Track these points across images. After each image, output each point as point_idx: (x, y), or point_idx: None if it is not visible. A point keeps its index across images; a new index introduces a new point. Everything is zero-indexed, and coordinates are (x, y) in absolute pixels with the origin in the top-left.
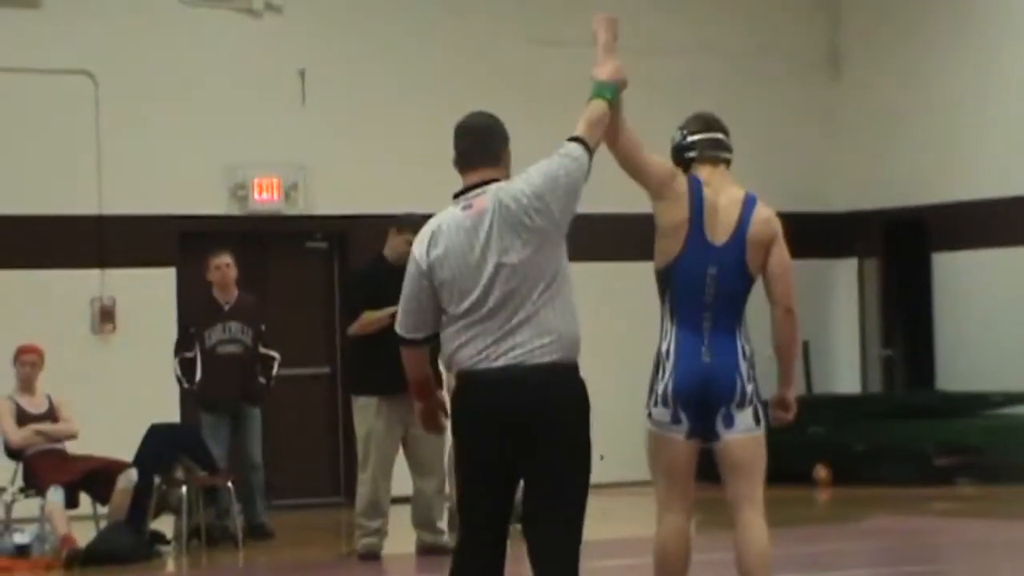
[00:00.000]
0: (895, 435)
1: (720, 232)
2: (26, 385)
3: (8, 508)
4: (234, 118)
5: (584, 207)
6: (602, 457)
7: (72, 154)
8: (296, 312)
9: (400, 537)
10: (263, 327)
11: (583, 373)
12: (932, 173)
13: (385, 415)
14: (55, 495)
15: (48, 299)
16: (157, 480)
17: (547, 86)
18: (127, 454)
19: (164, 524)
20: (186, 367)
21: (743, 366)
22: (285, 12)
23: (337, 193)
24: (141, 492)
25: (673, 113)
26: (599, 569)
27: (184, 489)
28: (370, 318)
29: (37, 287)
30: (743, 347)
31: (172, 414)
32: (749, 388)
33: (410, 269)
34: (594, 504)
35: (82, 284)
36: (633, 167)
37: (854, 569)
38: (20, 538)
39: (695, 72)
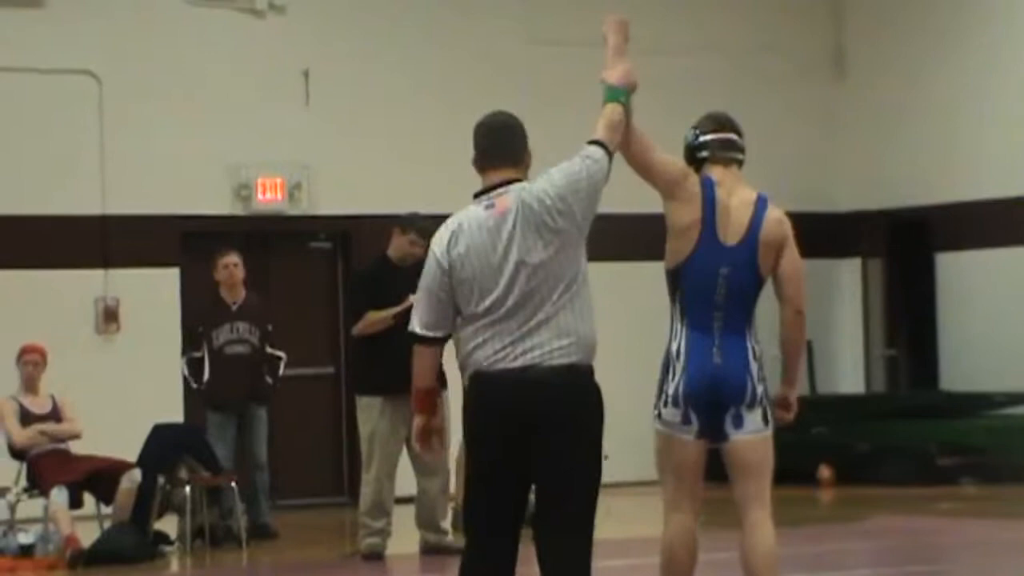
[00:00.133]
0: (898, 435)
1: (732, 233)
2: (30, 385)
3: (12, 508)
4: (237, 118)
5: (604, 206)
6: (607, 456)
7: (75, 154)
8: (300, 312)
9: (404, 537)
10: (270, 327)
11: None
12: (935, 173)
13: (389, 415)
14: (59, 495)
15: (51, 299)
16: (161, 480)
17: (551, 86)
18: (131, 454)
19: (168, 524)
20: (194, 367)
21: (753, 367)
22: (288, 12)
23: (341, 193)
24: (145, 492)
25: (676, 113)
26: (605, 568)
27: (188, 489)
28: (374, 318)
29: (40, 287)
30: (753, 347)
31: (176, 414)
32: (759, 389)
33: (430, 266)
34: (599, 503)
35: (86, 284)
36: (643, 168)
37: (857, 569)
38: (24, 538)
39: (698, 72)
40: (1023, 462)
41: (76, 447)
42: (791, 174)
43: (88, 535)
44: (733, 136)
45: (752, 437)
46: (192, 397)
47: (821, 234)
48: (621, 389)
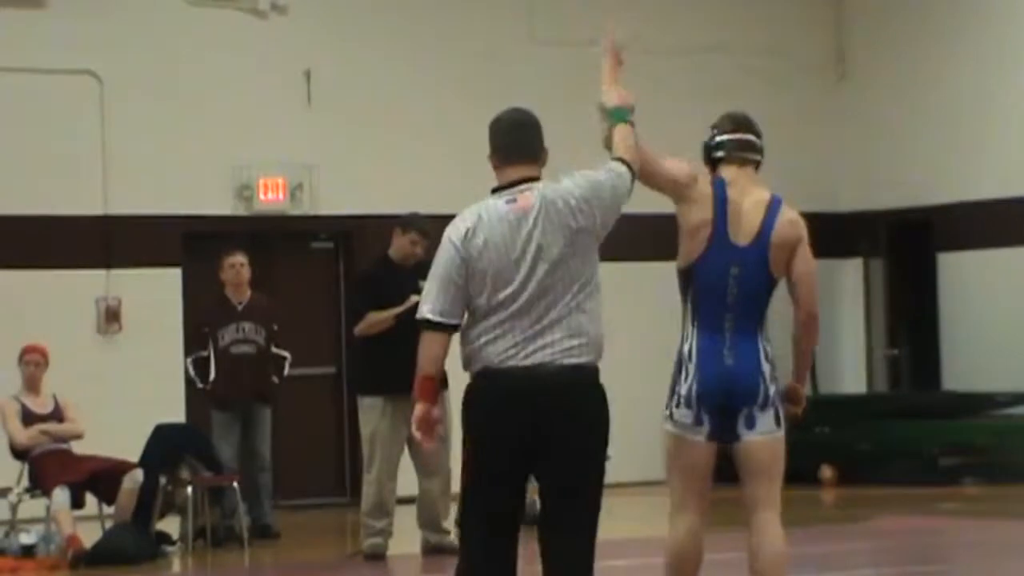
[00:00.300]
0: (900, 435)
1: (743, 233)
2: (31, 385)
3: (14, 508)
4: (239, 118)
5: None
6: (609, 457)
7: (77, 154)
8: (302, 312)
9: (405, 537)
10: (276, 327)
11: None
12: (937, 173)
13: (390, 415)
14: (61, 495)
15: (53, 299)
16: (163, 480)
17: (553, 86)
18: (133, 454)
19: (170, 524)
20: (199, 366)
21: (765, 368)
22: (290, 12)
23: (342, 193)
24: (147, 492)
25: (679, 113)
26: (606, 568)
27: (190, 489)
28: (375, 318)
29: (42, 287)
30: (765, 348)
31: (178, 414)
32: (771, 390)
33: (446, 253)
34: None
35: (87, 284)
36: (648, 176)
37: (860, 569)
38: (26, 538)
39: (701, 72)
40: None
41: (78, 447)
42: (793, 174)
43: (90, 535)
44: (750, 137)
45: (763, 438)
46: (194, 397)
47: (823, 234)
48: (624, 390)
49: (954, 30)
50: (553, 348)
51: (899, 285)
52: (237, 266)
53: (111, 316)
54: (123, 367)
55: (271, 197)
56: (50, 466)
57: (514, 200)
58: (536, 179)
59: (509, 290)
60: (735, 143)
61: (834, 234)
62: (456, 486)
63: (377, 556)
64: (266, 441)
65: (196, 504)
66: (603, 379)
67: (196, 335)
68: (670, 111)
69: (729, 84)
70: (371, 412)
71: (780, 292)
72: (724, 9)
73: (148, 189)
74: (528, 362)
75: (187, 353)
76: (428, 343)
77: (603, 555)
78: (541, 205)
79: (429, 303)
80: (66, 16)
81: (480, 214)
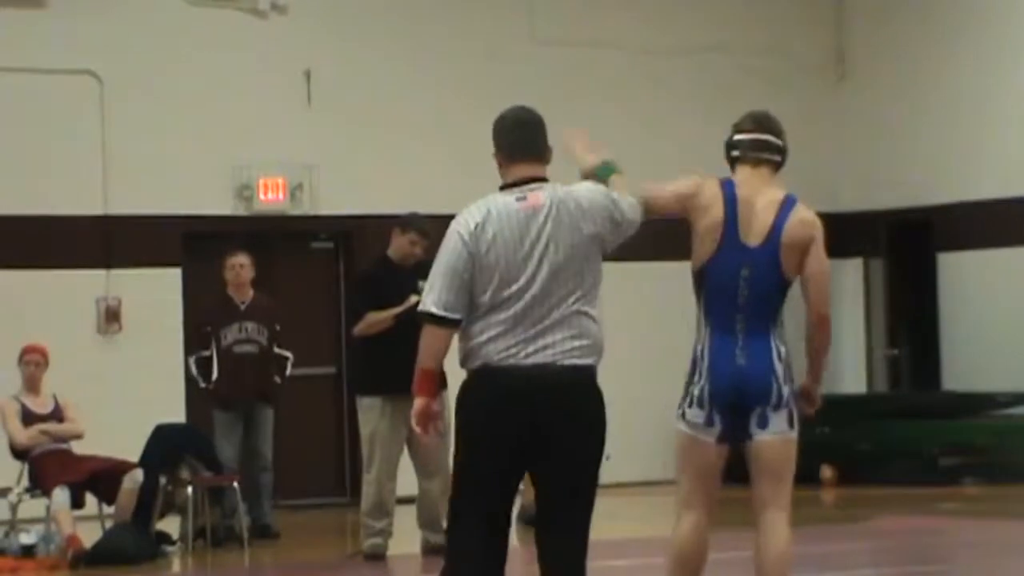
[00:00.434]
0: (901, 435)
1: (754, 234)
2: (31, 385)
3: (14, 508)
4: (239, 118)
5: None
6: (608, 457)
7: (77, 154)
8: (302, 312)
9: (406, 537)
10: (278, 327)
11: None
12: (937, 173)
13: (389, 415)
14: (61, 495)
15: (53, 299)
16: (163, 480)
17: (553, 86)
18: (133, 454)
19: (170, 524)
20: (202, 366)
21: (778, 368)
22: (290, 12)
23: (342, 193)
24: (147, 492)
25: (679, 113)
26: (606, 568)
27: (190, 489)
28: (374, 318)
29: (42, 287)
30: (778, 348)
31: (178, 414)
32: (785, 390)
33: (454, 246)
34: (601, 504)
35: (87, 284)
36: (655, 205)
37: (860, 569)
38: (26, 538)
39: (701, 72)
40: None
41: (78, 447)
42: (793, 174)
43: (90, 535)
44: (767, 137)
45: (775, 438)
46: (194, 397)
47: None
48: (624, 390)
49: (954, 30)
50: (555, 348)
51: (899, 285)
52: (237, 267)
53: (111, 316)
54: (123, 367)
55: (271, 197)
56: (50, 466)
57: (524, 198)
58: (543, 178)
59: (515, 287)
60: (750, 143)
61: (834, 234)
62: None
63: (377, 556)
64: (268, 441)
65: (196, 504)
66: (603, 379)
67: (198, 335)
68: (670, 111)
69: (729, 84)
70: (370, 412)
71: (795, 292)
72: (724, 9)
73: (148, 189)
74: (529, 361)
75: (187, 353)
76: (430, 337)
77: (603, 555)
78: (552, 204)
79: (433, 296)
80: (66, 16)
81: (489, 209)
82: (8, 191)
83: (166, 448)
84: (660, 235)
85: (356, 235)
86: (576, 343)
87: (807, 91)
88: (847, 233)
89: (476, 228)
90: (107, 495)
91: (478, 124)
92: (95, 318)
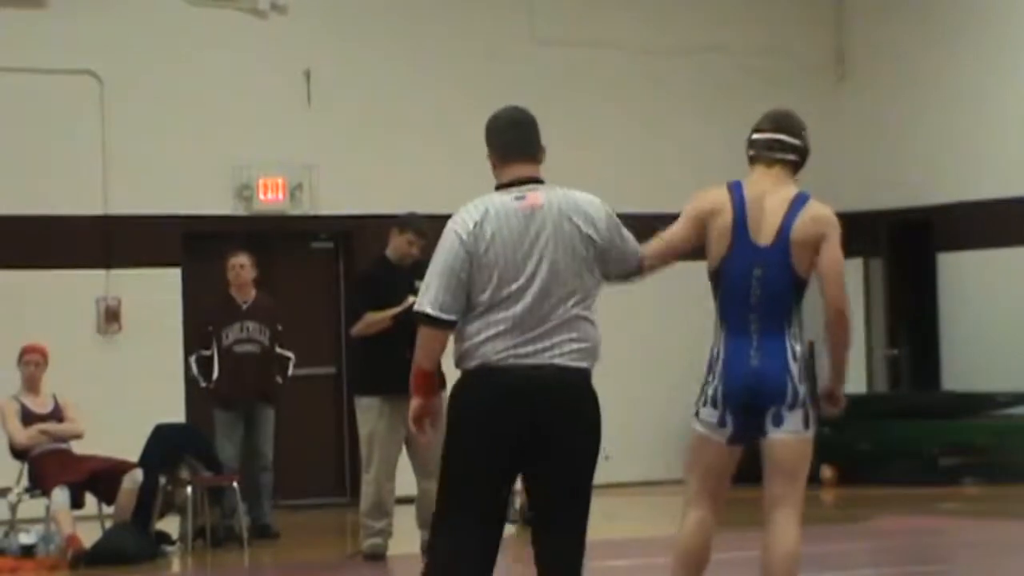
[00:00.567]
0: (900, 435)
1: (765, 233)
2: (31, 385)
3: (14, 508)
4: (239, 118)
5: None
6: (608, 457)
7: (77, 154)
8: (301, 312)
9: (405, 538)
10: (280, 327)
11: (594, 375)
12: (937, 173)
13: (388, 416)
14: (60, 495)
15: (53, 299)
16: (162, 480)
17: (553, 86)
18: (132, 454)
19: (169, 524)
20: (203, 365)
21: (793, 367)
22: (290, 12)
23: (342, 193)
24: (146, 492)
25: (679, 113)
26: (605, 568)
27: (189, 489)
28: (372, 319)
29: (42, 287)
30: (793, 348)
31: (178, 414)
32: (801, 390)
33: (451, 246)
34: (601, 504)
35: (87, 284)
36: (679, 244)
37: (860, 569)
38: (26, 538)
39: (701, 72)
40: None
41: (77, 447)
42: None
43: (89, 535)
44: (780, 136)
45: (788, 436)
46: (194, 397)
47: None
48: (623, 390)
49: (954, 30)
50: (554, 350)
51: (899, 285)
52: (238, 267)
53: (111, 316)
54: (123, 367)
55: (271, 197)
56: (50, 466)
57: (523, 197)
58: (539, 179)
59: (515, 286)
60: (763, 142)
61: None
62: None
63: (377, 556)
64: (268, 441)
65: (196, 504)
66: (602, 379)
67: (199, 334)
68: (670, 111)
69: (729, 84)
70: (369, 412)
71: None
72: (724, 9)
73: (148, 189)
74: (529, 361)
75: (187, 353)
76: (427, 339)
77: (603, 555)
78: (551, 205)
79: (429, 296)
80: (66, 16)
81: (487, 208)
82: (8, 191)
83: (166, 448)
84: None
85: (356, 235)
86: (576, 345)
87: (807, 91)
88: (847, 233)
89: (475, 227)
90: (107, 495)
91: (478, 124)
92: (95, 318)
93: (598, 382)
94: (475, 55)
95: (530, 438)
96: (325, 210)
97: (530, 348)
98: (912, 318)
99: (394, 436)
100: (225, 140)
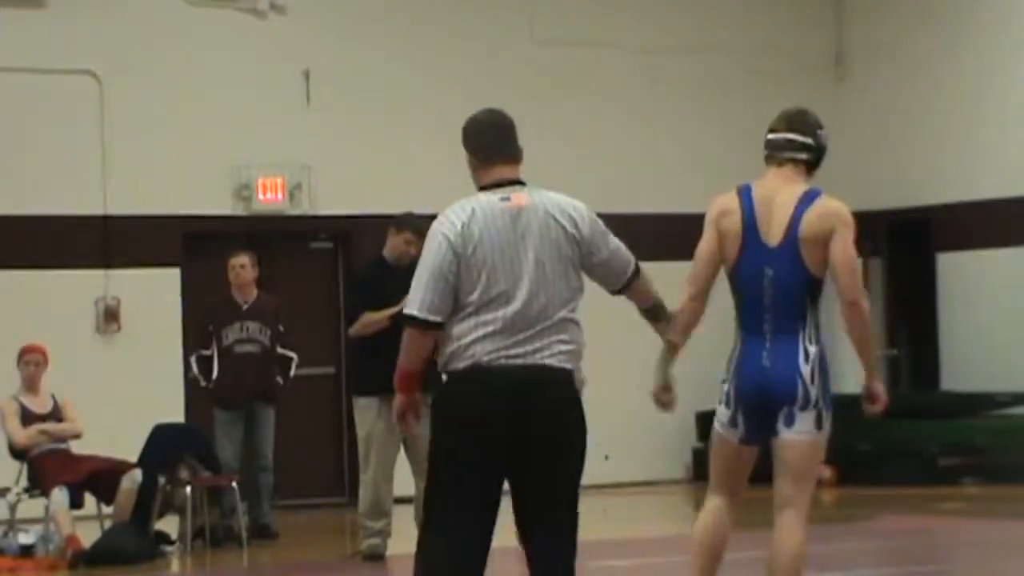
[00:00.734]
0: (900, 435)
1: (774, 233)
2: (30, 385)
3: (13, 508)
4: (238, 118)
5: (605, 206)
6: (607, 457)
7: (76, 154)
8: (301, 312)
9: (404, 538)
10: (281, 328)
11: (593, 375)
12: (937, 173)
13: (386, 416)
14: (60, 495)
15: (52, 299)
16: (162, 480)
17: (553, 86)
18: (132, 454)
19: (169, 524)
20: (203, 365)
21: (804, 369)
22: (289, 12)
23: (341, 193)
24: (145, 492)
25: (679, 113)
26: (605, 568)
27: (188, 489)
28: (370, 319)
29: (41, 287)
30: (806, 349)
31: (177, 414)
32: (813, 391)
33: (438, 247)
34: (601, 504)
35: (86, 284)
36: (703, 261)
37: (860, 569)
38: (25, 538)
39: (701, 72)
40: None
41: (77, 447)
42: None
43: (89, 535)
44: (791, 135)
45: (798, 437)
46: (194, 397)
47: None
48: (623, 391)
49: (954, 30)
50: (544, 351)
51: (898, 285)
52: (238, 267)
53: (110, 316)
54: (122, 367)
55: (270, 197)
56: (49, 466)
57: (508, 198)
58: (521, 181)
59: (504, 286)
60: (774, 142)
61: None
62: None
63: (375, 557)
64: (269, 441)
65: (195, 504)
66: (602, 379)
67: (200, 333)
68: (670, 111)
69: (729, 84)
70: (366, 413)
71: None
72: (724, 9)
73: (147, 189)
74: (520, 362)
75: (186, 353)
76: (414, 341)
77: (603, 555)
78: (536, 206)
79: (417, 299)
80: (66, 16)
81: (473, 208)
82: (6, 191)
83: (165, 448)
84: (661, 235)
85: (355, 235)
86: (564, 347)
87: (806, 91)
88: None
89: (462, 228)
90: (106, 495)
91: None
92: (94, 318)
93: (598, 382)
94: (475, 55)
95: (521, 438)
96: (324, 210)
97: (521, 349)
98: (912, 318)
99: (392, 436)
100: (224, 140)
